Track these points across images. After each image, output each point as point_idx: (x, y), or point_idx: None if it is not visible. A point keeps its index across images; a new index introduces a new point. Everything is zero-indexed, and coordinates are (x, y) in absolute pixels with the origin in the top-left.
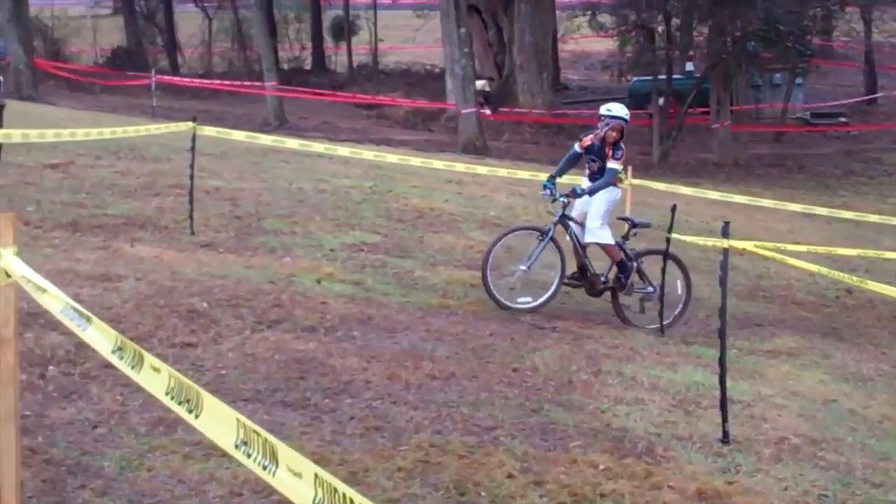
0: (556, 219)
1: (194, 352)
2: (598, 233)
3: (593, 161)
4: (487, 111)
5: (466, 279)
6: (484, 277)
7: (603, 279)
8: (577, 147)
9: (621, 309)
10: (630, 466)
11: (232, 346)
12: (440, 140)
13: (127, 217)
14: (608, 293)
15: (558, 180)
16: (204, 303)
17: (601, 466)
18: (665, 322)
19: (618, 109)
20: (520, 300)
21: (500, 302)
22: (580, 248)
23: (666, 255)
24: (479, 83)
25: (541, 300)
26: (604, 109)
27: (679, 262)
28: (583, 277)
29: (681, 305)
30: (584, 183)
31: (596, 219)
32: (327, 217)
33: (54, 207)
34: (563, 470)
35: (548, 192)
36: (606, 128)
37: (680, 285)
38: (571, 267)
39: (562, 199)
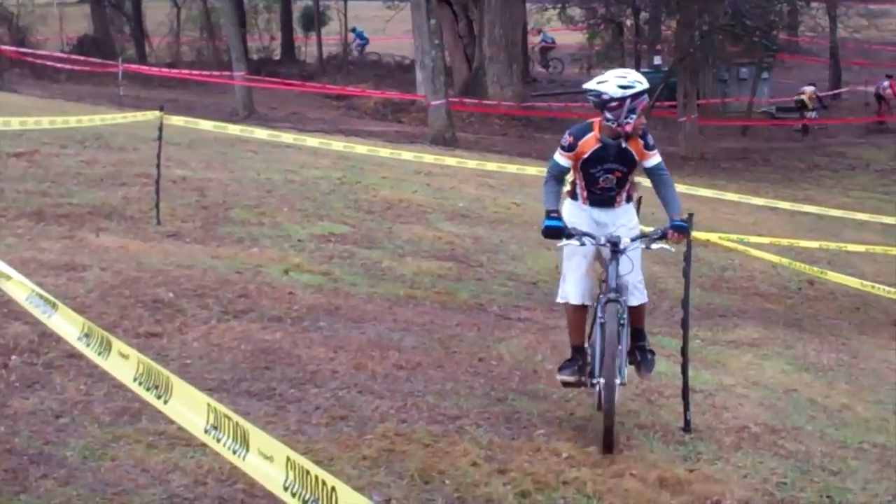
0: None
1: (159, 342)
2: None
3: (609, 172)
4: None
5: (434, 270)
6: None
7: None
8: (563, 161)
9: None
10: (593, 455)
11: (197, 335)
12: (410, 131)
13: (92, 207)
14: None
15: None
16: (170, 293)
17: (564, 455)
18: None
19: (641, 79)
20: None
21: None
22: None
23: None
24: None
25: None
26: (616, 89)
27: None
28: None
29: None
30: (585, 207)
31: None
32: (295, 208)
33: (18, 196)
34: (527, 458)
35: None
36: (633, 114)
37: None
38: None
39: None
